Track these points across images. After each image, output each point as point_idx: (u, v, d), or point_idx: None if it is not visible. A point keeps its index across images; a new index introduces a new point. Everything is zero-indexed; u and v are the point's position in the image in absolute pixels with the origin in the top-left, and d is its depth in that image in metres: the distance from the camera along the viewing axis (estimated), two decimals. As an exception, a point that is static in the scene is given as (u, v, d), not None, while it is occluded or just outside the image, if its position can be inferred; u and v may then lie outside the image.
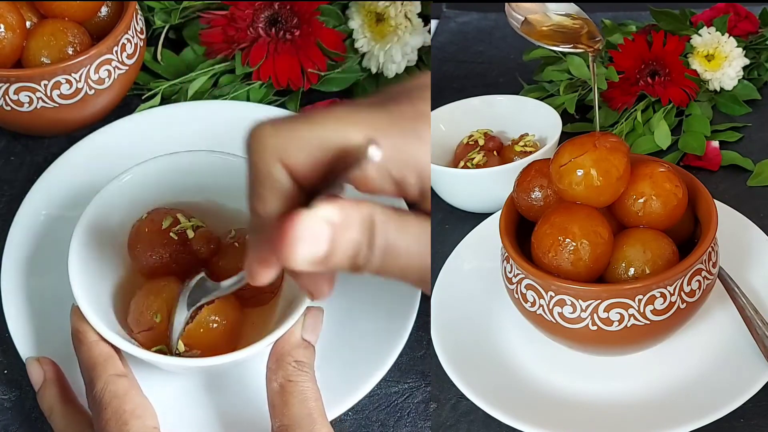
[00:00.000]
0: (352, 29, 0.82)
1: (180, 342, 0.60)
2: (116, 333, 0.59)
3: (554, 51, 0.96)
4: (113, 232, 0.65)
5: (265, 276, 0.50)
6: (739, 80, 0.91)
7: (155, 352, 0.60)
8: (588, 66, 0.91)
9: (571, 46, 0.74)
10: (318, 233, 0.46)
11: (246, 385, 0.63)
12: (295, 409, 0.56)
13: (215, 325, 0.61)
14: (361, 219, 0.47)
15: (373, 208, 0.47)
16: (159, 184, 0.66)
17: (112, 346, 0.59)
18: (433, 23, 1.11)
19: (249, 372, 0.63)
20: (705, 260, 0.60)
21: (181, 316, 0.59)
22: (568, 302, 0.59)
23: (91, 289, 0.61)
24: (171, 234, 0.63)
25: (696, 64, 0.91)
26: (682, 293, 0.59)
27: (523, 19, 0.75)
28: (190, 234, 0.63)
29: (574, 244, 0.59)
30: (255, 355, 0.59)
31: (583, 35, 0.74)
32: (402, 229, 0.48)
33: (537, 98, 0.90)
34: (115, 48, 0.74)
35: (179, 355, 0.60)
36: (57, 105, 0.73)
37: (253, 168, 0.48)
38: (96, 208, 0.64)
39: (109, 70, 0.74)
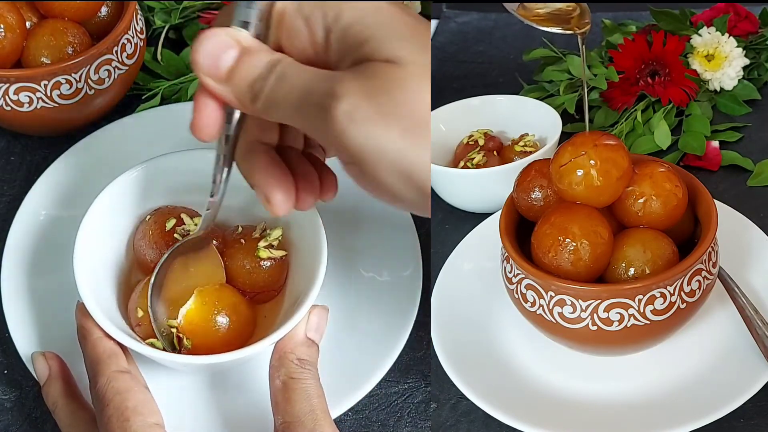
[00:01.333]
0: (352, 29, 0.82)
1: (168, 324, 0.60)
2: (121, 330, 0.59)
3: (548, 45, 0.96)
4: (119, 229, 0.65)
5: (197, 114, 0.52)
6: (739, 80, 0.91)
7: (148, 344, 0.60)
8: (588, 65, 0.91)
9: (561, 27, 0.75)
10: (226, 47, 0.50)
11: (250, 382, 0.63)
12: (297, 406, 0.56)
13: (225, 323, 0.61)
14: (270, 55, 0.50)
15: (281, 55, 0.50)
16: (165, 182, 0.66)
17: (117, 342, 0.59)
18: (433, 23, 1.11)
19: (253, 369, 0.63)
20: (705, 260, 0.60)
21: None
22: (568, 302, 0.59)
23: (96, 286, 0.61)
24: (175, 235, 0.63)
25: (696, 64, 0.91)
26: (682, 293, 0.59)
27: (519, 4, 0.76)
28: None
29: (574, 244, 0.59)
30: (259, 353, 0.59)
31: (574, 17, 0.75)
32: (301, 73, 0.49)
33: (537, 98, 0.90)
34: (115, 48, 0.74)
35: (179, 350, 0.60)
36: (57, 105, 0.73)
37: None
38: (101, 205, 0.64)
39: (109, 70, 0.74)
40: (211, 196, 0.58)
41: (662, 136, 0.85)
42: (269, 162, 0.55)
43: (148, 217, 0.65)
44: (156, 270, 0.61)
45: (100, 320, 0.58)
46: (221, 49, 0.50)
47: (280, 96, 0.49)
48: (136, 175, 0.65)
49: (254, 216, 0.66)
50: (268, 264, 0.63)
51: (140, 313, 0.61)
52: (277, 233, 0.64)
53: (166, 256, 0.61)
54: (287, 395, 0.57)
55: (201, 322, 0.60)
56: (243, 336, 0.62)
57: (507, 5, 0.76)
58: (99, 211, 0.63)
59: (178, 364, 0.60)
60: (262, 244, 0.63)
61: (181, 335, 0.60)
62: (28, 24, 0.75)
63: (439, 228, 0.82)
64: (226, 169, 0.56)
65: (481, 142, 0.85)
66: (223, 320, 0.60)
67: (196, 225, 0.64)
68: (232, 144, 0.55)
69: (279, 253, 0.64)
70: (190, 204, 0.66)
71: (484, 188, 0.80)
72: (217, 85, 0.51)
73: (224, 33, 0.50)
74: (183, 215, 0.64)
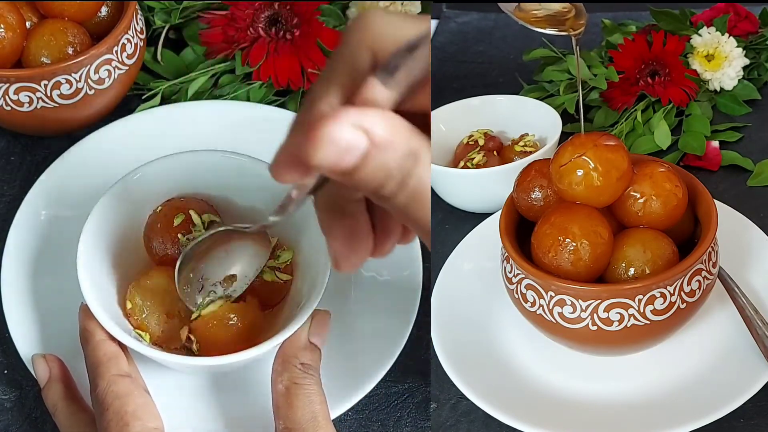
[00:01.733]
0: (352, 29, 0.82)
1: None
2: (123, 330, 0.59)
3: (548, 45, 0.96)
4: (122, 230, 0.65)
5: (287, 174, 0.46)
6: (739, 80, 0.91)
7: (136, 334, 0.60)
8: (588, 65, 0.91)
9: (557, 29, 0.75)
10: (353, 142, 0.42)
11: (252, 384, 0.63)
12: (299, 411, 0.56)
13: (232, 323, 0.61)
14: (407, 149, 0.42)
15: (421, 141, 0.42)
16: (171, 182, 0.66)
17: (120, 344, 0.59)
18: (433, 23, 1.11)
19: (255, 372, 0.63)
20: (705, 260, 0.60)
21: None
22: (568, 302, 0.59)
23: (99, 287, 0.61)
24: (178, 235, 0.63)
25: (696, 64, 0.91)
26: (682, 293, 0.59)
27: (516, 4, 0.76)
28: (199, 234, 0.63)
29: (574, 244, 0.59)
30: (261, 356, 0.59)
31: (569, 19, 0.75)
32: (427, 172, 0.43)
33: (537, 98, 0.90)
34: (115, 48, 0.74)
35: (186, 349, 0.60)
36: (57, 105, 0.73)
37: (340, 47, 0.45)
38: (105, 206, 0.63)
39: (109, 70, 0.74)
40: (274, 215, 0.54)
41: (662, 136, 0.85)
42: (351, 226, 0.49)
43: (159, 208, 0.65)
44: (179, 262, 0.61)
45: (104, 321, 0.59)
46: (345, 148, 0.41)
47: (406, 211, 0.44)
48: (140, 176, 0.65)
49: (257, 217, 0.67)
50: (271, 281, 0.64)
51: (129, 305, 0.62)
52: (286, 256, 0.64)
53: (193, 244, 0.61)
54: (290, 401, 0.57)
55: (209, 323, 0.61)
56: (251, 339, 0.61)
57: (503, 6, 0.76)
58: (103, 211, 0.63)
59: (178, 365, 0.60)
60: (270, 263, 0.63)
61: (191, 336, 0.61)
62: (28, 24, 0.75)
63: (439, 228, 0.82)
64: (299, 201, 0.51)
65: (481, 142, 0.85)
66: (229, 322, 0.61)
67: (204, 221, 0.64)
68: (316, 186, 0.49)
69: (284, 277, 0.64)
70: (204, 197, 0.66)
71: (484, 188, 0.80)
72: (335, 175, 0.43)
73: (350, 124, 0.41)
74: (192, 212, 0.64)
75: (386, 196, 0.44)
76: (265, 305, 0.64)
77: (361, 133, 0.42)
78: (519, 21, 0.75)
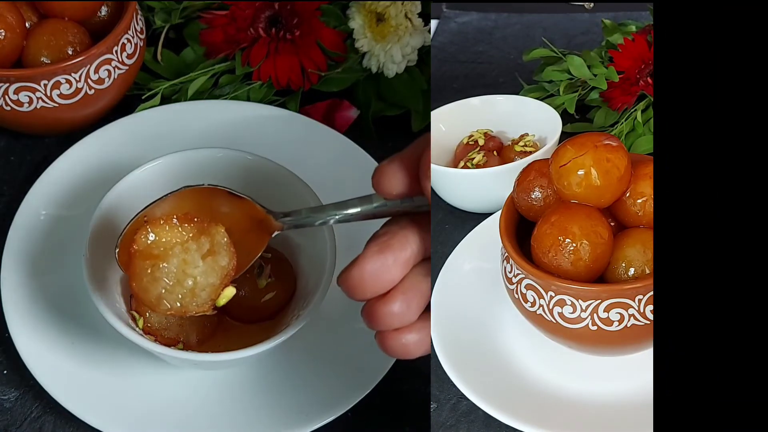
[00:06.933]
0: (353, 29, 0.82)
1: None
2: (128, 326, 0.59)
3: (548, 45, 0.96)
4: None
5: (394, 181, 0.50)
6: (739, 80, 0.91)
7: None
8: (588, 65, 0.91)
9: None
10: None
11: (259, 379, 0.64)
12: None
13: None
14: None
15: None
16: (177, 178, 0.66)
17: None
18: (433, 23, 1.11)
19: (262, 365, 0.64)
20: (705, 260, 0.60)
21: None
22: (568, 302, 0.59)
23: (103, 281, 0.62)
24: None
25: (696, 64, 0.91)
26: (682, 293, 0.59)
27: None
28: None
29: (574, 244, 0.59)
30: (265, 353, 0.59)
31: None
32: None
33: (537, 98, 0.90)
34: (115, 48, 0.74)
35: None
36: (57, 105, 0.73)
37: None
38: (112, 201, 0.63)
39: (109, 70, 0.74)
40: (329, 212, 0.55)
41: (662, 136, 0.85)
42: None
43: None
44: None
45: (109, 318, 0.59)
46: None
47: None
48: (148, 170, 0.65)
49: None
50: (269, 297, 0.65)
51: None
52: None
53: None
54: None
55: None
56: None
57: None
58: (110, 206, 0.63)
59: (181, 361, 0.60)
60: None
61: None
62: (28, 24, 0.75)
63: (439, 228, 0.82)
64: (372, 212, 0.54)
65: (481, 142, 0.85)
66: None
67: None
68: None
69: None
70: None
71: (484, 188, 0.80)
72: None
73: None
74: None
75: None
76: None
77: None
78: None
